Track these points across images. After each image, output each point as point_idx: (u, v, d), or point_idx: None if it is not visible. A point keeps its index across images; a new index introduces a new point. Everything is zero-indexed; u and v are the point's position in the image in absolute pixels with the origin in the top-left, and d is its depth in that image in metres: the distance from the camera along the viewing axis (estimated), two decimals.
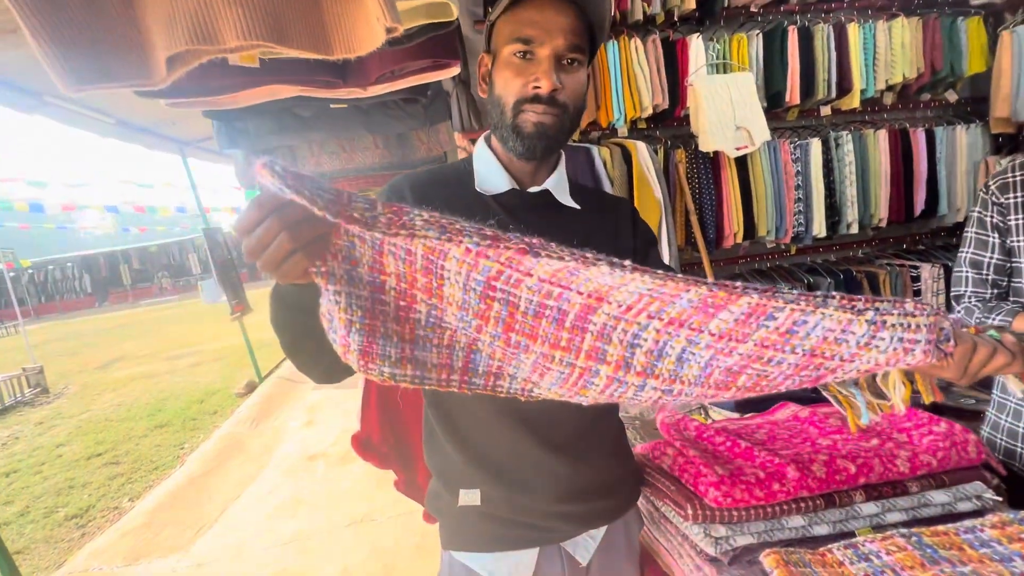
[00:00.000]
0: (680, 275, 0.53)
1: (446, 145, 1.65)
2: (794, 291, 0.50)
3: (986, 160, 2.54)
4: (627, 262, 0.52)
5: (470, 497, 0.83)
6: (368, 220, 0.52)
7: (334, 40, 0.84)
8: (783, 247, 2.65)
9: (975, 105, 2.62)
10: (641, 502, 1.02)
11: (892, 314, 0.49)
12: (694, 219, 2.30)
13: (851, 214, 2.48)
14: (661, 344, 0.55)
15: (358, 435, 2.24)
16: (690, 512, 0.86)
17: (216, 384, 6.31)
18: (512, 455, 0.82)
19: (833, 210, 2.48)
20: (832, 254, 2.78)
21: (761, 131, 2.23)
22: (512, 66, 0.73)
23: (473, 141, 2.53)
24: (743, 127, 2.25)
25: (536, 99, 0.73)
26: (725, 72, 2.30)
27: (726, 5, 2.27)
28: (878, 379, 0.67)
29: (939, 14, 2.47)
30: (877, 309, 0.50)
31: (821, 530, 0.88)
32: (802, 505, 0.88)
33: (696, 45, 2.24)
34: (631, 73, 2.17)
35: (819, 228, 2.46)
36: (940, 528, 0.82)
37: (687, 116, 2.31)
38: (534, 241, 0.52)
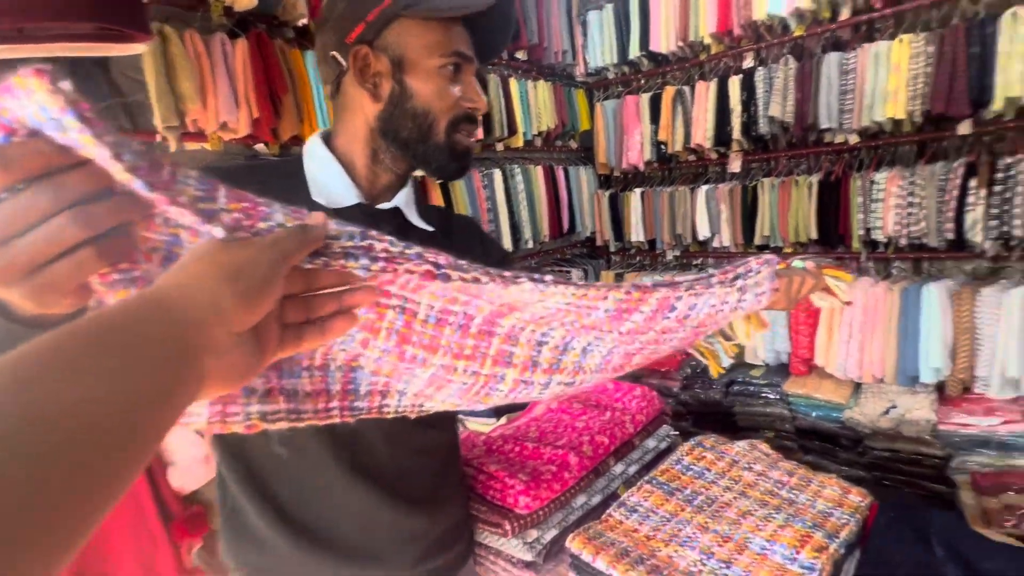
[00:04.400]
0: (600, 283, 0.52)
1: None
2: (688, 275, 0.56)
3: (597, 192, 3.54)
4: (548, 276, 0.49)
5: None
6: (204, 212, 0.33)
7: None
8: None
9: (587, 152, 3.62)
10: None
11: (749, 277, 0.60)
12: None
13: (527, 232, 3.04)
14: (567, 340, 0.55)
15: None
16: (508, 527, 0.87)
17: None
18: (361, 523, 0.67)
19: (515, 229, 2.99)
20: (518, 265, 3.34)
21: None
22: (445, 79, 0.64)
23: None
24: None
25: (469, 119, 0.66)
26: None
27: None
28: (724, 326, 0.82)
29: (562, 83, 3.31)
30: (739, 275, 0.59)
31: (596, 499, 1.04)
32: (582, 484, 1.02)
33: None
34: None
35: (506, 244, 2.91)
36: (662, 467, 1.08)
37: None
38: (440, 260, 0.42)
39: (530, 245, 3.06)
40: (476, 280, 0.44)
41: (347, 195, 0.67)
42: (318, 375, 0.47)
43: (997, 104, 2.05)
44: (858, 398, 2.60)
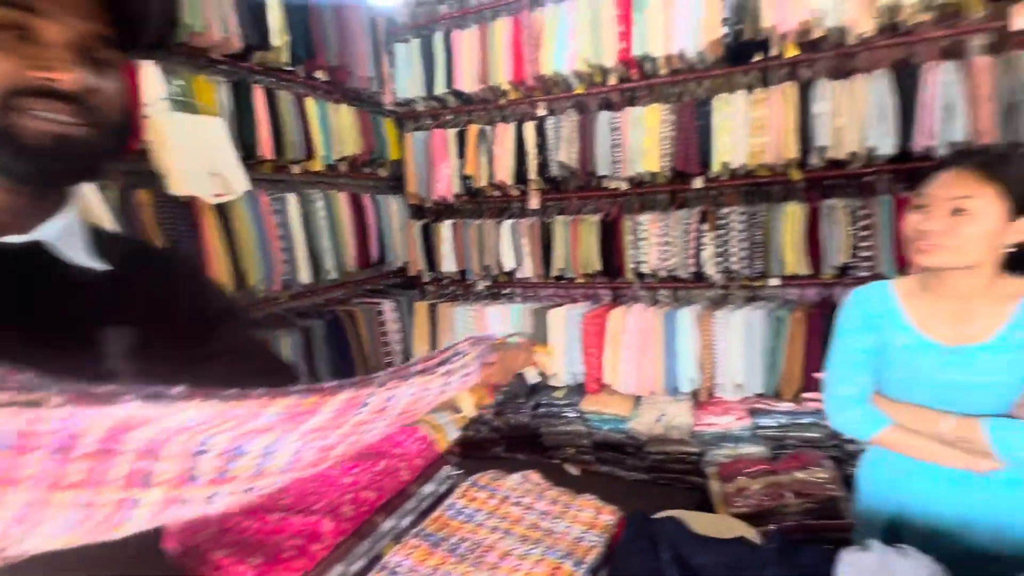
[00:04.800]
0: (261, 391, 0.43)
1: None
2: (385, 372, 0.54)
3: (408, 223, 3.50)
4: (177, 389, 0.38)
5: None
6: None
7: None
8: (275, 295, 2.70)
9: (397, 182, 3.57)
10: None
11: (455, 363, 0.61)
12: None
13: (329, 261, 2.82)
14: (238, 444, 0.44)
15: None
16: None
17: None
18: None
19: (315, 259, 2.74)
20: (319, 297, 3.07)
21: (239, 179, 2.19)
22: None
23: None
24: (219, 173, 2.14)
25: (47, 92, 0.45)
26: (191, 112, 2.12)
27: (183, 42, 2.09)
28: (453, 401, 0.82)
29: (369, 110, 3.21)
30: (445, 360, 0.60)
31: (358, 566, 0.93)
32: (339, 552, 0.90)
33: (151, 74, 1.95)
34: None
35: (305, 275, 2.66)
36: (434, 515, 1.03)
37: (145, 151, 1.97)
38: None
39: (333, 276, 2.85)
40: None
41: None
42: None
43: (716, 166, 2.60)
44: (638, 410, 2.97)
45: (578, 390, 3.17)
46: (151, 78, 1.96)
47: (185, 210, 2.08)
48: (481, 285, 3.55)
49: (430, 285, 3.75)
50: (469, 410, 0.81)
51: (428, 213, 3.61)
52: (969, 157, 0.88)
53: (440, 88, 3.17)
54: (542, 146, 3.01)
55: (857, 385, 1.01)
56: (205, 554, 0.81)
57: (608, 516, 1.01)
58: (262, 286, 2.43)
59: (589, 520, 1.00)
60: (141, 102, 1.94)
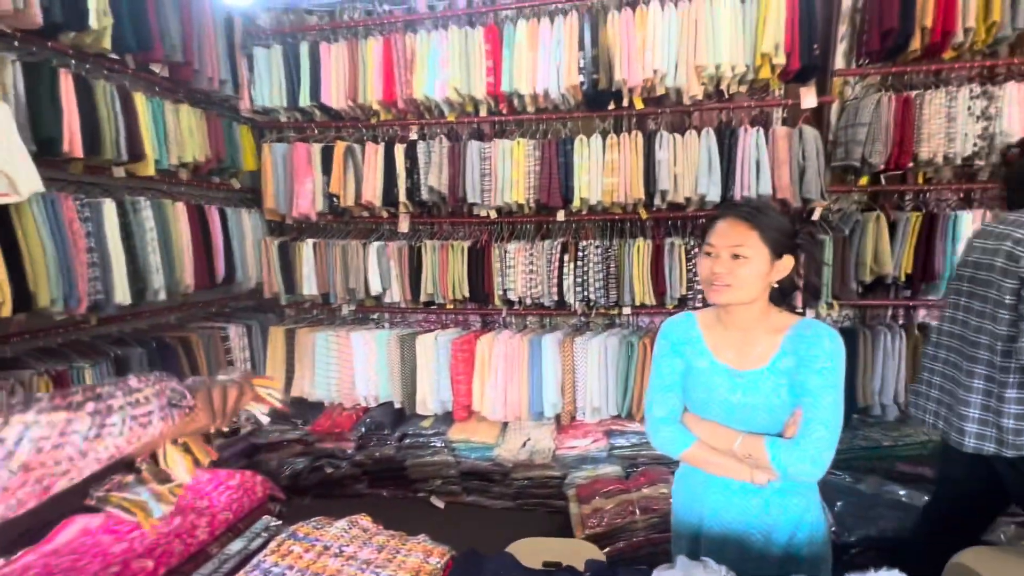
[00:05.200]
0: None
1: None
2: None
3: (265, 239, 3.19)
4: None
5: None
6: None
7: None
8: (80, 318, 2.25)
9: (254, 194, 3.25)
10: None
11: (116, 397, 0.51)
12: None
13: (157, 280, 2.44)
14: None
15: None
16: None
17: None
18: None
19: (138, 276, 2.35)
20: (142, 321, 2.64)
21: (29, 178, 1.80)
22: None
23: None
24: (2, 171, 1.75)
25: None
26: None
27: None
28: (161, 463, 0.67)
29: (219, 114, 2.90)
30: (98, 396, 0.50)
31: None
32: None
33: None
34: None
35: (123, 296, 2.26)
36: None
37: None
38: None
39: (162, 296, 2.46)
40: None
41: None
42: None
43: (576, 202, 2.78)
44: (504, 436, 2.98)
45: (446, 419, 3.09)
46: None
47: None
48: (346, 309, 3.35)
49: (288, 308, 3.44)
50: (183, 475, 0.67)
51: (288, 230, 3.33)
52: (735, 209, 1.03)
53: (305, 100, 2.99)
54: (412, 169, 2.96)
55: (668, 406, 1.10)
56: None
57: (437, 559, 0.95)
58: (58, 307, 2.01)
59: (416, 566, 0.93)
60: None
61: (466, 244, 3.00)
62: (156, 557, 0.84)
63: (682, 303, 2.76)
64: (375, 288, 3.09)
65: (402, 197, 2.97)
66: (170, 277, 2.51)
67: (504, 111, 2.91)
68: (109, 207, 2.21)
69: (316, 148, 3.06)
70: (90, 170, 2.31)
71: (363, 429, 3.05)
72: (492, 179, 2.85)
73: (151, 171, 2.44)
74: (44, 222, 1.94)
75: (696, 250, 2.70)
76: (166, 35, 2.43)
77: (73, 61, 2.16)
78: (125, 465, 0.67)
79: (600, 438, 2.87)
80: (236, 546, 1.00)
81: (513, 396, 2.96)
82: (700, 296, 2.72)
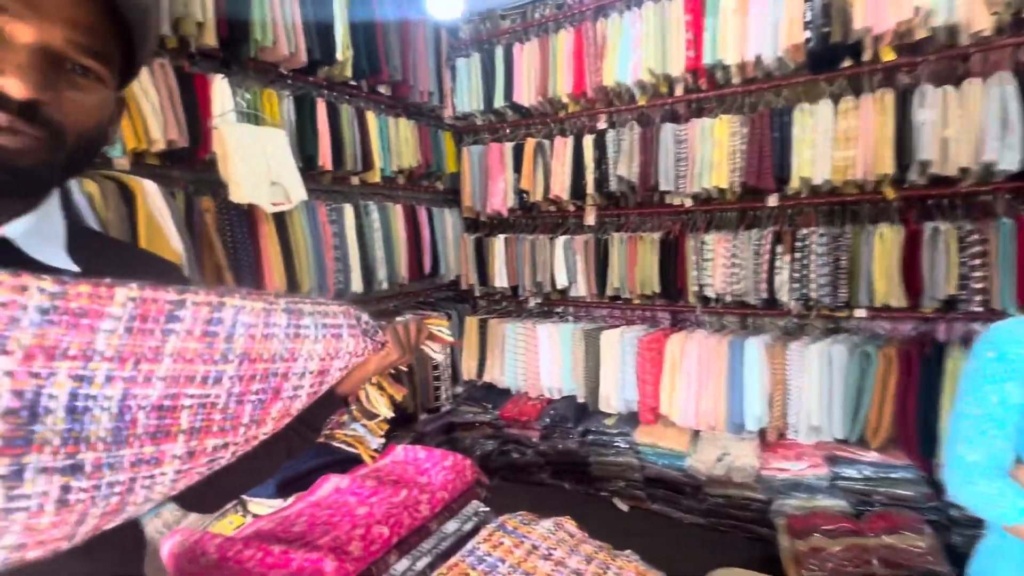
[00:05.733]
0: (6, 270, 0.36)
1: None
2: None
3: (462, 236, 3.47)
4: None
5: None
6: None
7: None
8: None
9: (454, 194, 3.56)
10: None
11: (303, 302, 0.51)
12: (228, 276, 2.03)
13: (382, 273, 2.83)
14: (31, 396, 0.37)
15: None
16: None
17: None
18: None
19: (368, 269, 2.76)
20: (370, 308, 3.09)
21: (298, 190, 2.24)
22: None
23: None
24: (279, 183, 2.19)
25: None
26: (257, 123, 2.19)
27: (253, 56, 2.18)
28: (365, 404, 0.73)
29: (428, 124, 3.24)
30: (288, 297, 0.50)
31: None
32: None
33: (221, 86, 2.04)
34: (130, 93, 1.74)
35: (357, 285, 2.67)
36: (452, 561, 0.92)
37: (214, 161, 2.05)
38: None
39: (384, 287, 2.85)
40: None
41: None
42: None
43: (794, 182, 2.35)
44: (696, 446, 2.72)
45: (631, 419, 2.96)
46: (221, 91, 2.04)
47: (244, 217, 2.14)
48: (533, 302, 3.45)
49: (481, 300, 3.69)
50: (385, 411, 0.73)
51: (482, 227, 3.57)
52: None
53: (499, 101, 3.14)
54: (601, 160, 2.88)
55: (990, 449, 0.79)
56: None
57: None
58: (315, 295, 2.47)
59: None
60: (211, 113, 2.03)
61: (656, 236, 2.81)
62: (390, 526, 0.92)
63: (950, 307, 2.14)
64: (561, 281, 3.11)
65: (590, 189, 2.92)
66: (391, 270, 2.89)
67: (704, 87, 2.62)
68: (348, 211, 2.63)
69: (508, 147, 3.20)
70: (334, 180, 2.78)
71: (547, 420, 3.11)
72: (688, 163, 2.61)
73: (377, 178, 2.83)
74: (306, 225, 2.39)
75: (975, 236, 2.05)
76: (390, 58, 2.79)
77: (325, 91, 2.61)
78: (342, 403, 0.72)
79: (819, 463, 2.41)
80: (451, 526, 1.06)
81: (707, 403, 2.68)
82: (979, 299, 2.06)
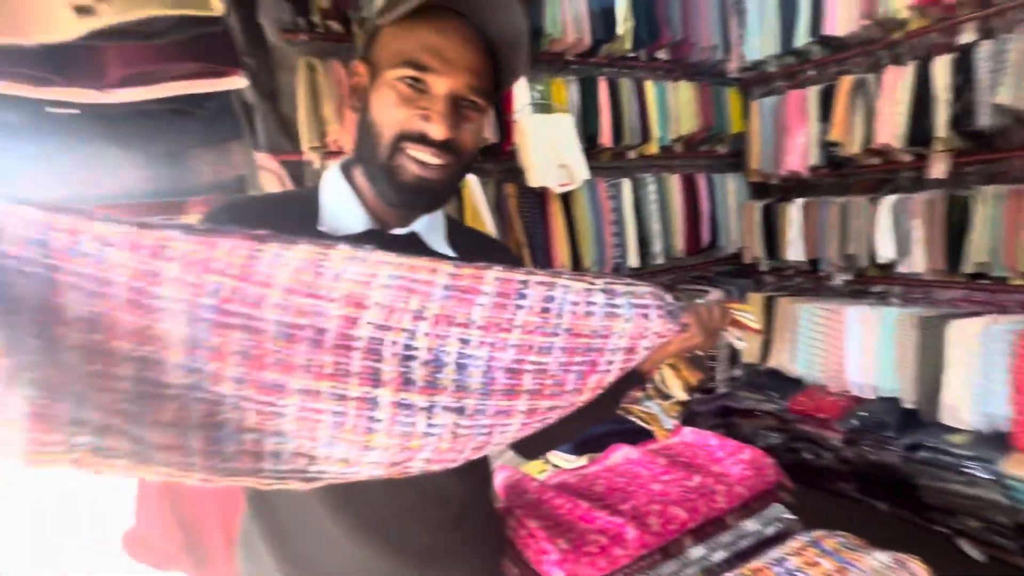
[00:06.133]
0: (417, 258, 0.49)
1: (241, 167, 1.37)
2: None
3: (747, 204, 3.10)
4: (367, 247, 0.47)
5: None
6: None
7: (21, 23, 0.57)
8: None
9: (738, 158, 3.20)
10: None
11: (617, 282, 0.53)
12: (525, 252, 2.33)
13: (658, 245, 2.79)
14: (436, 351, 0.49)
15: (132, 532, 1.73)
16: None
17: None
18: (353, 571, 0.64)
19: (644, 242, 2.76)
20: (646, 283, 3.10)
21: (581, 170, 2.38)
22: (397, 92, 0.58)
23: (285, 164, 2.19)
24: (565, 165, 2.38)
25: (424, 139, 0.58)
26: (548, 112, 2.41)
27: (544, 49, 2.39)
28: (659, 384, 0.72)
29: (709, 82, 2.97)
30: (602, 276, 0.53)
31: None
32: (642, 564, 0.85)
33: (520, 85, 2.31)
34: None
35: (634, 260, 2.71)
36: (756, 565, 0.85)
37: (515, 151, 2.35)
38: (260, 232, 0.45)
39: (660, 261, 2.80)
40: (292, 244, 0.45)
41: (357, 222, 0.65)
42: (171, 432, 0.45)
43: None
44: None
45: (994, 441, 2.18)
46: (520, 89, 2.32)
47: (538, 199, 2.41)
48: (839, 279, 2.85)
49: (768, 275, 3.26)
50: (680, 393, 0.68)
51: (773, 191, 3.11)
52: None
53: (802, 39, 2.63)
54: (963, 87, 2.11)
55: None
56: (523, 519, 0.89)
57: None
58: (595, 269, 2.61)
59: None
60: (513, 110, 2.33)
61: None
62: (686, 510, 0.91)
63: None
64: (886, 254, 2.47)
65: (940, 130, 2.19)
66: (666, 243, 2.83)
67: None
68: (626, 185, 2.66)
69: (812, 92, 2.67)
70: (613, 156, 2.84)
71: (855, 422, 2.57)
72: None
73: (655, 149, 2.77)
74: (587, 202, 2.53)
75: None
76: (671, 20, 2.65)
77: (605, 68, 2.67)
78: (641, 380, 0.70)
79: None
80: (750, 526, 0.98)
81: None
82: None
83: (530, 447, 0.77)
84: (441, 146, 0.59)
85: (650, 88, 2.67)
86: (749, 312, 0.73)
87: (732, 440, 1.15)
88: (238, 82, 0.96)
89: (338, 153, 2.00)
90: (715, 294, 0.72)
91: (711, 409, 3.12)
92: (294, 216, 0.64)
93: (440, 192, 0.64)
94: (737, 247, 3.17)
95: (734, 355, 3.05)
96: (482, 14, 0.59)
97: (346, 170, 0.68)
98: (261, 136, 1.98)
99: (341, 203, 0.65)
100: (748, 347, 2.84)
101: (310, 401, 0.48)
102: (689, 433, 1.22)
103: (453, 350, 0.50)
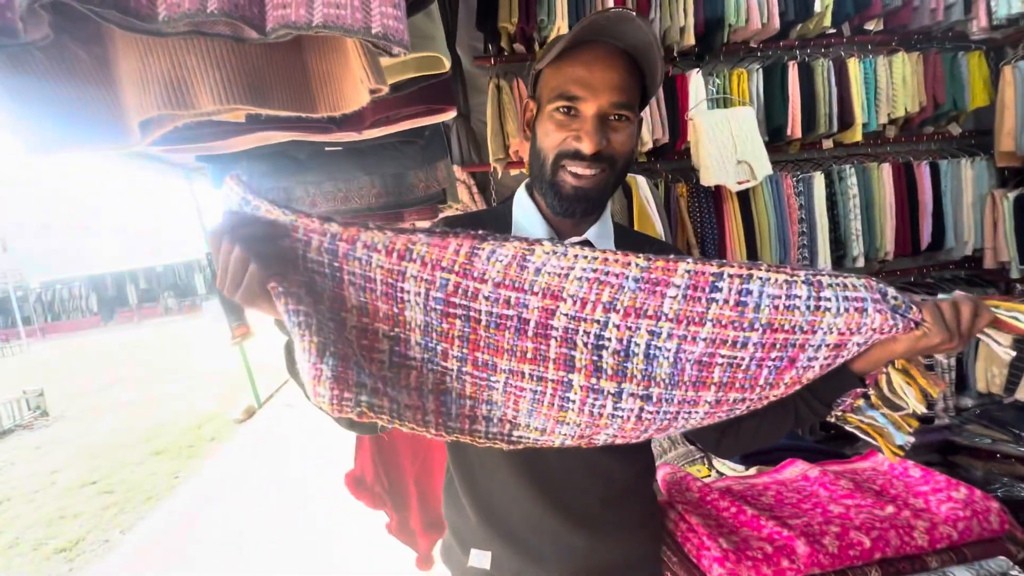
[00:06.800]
0: (612, 251, 0.55)
1: (444, 182, 1.63)
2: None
3: (992, 193, 2.50)
4: (566, 243, 0.55)
5: (480, 559, 0.79)
6: (323, 221, 0.56)
7: (319, 100, 0.81)
8: None
9: (979, 138, 2.60)
10: None
11: (823, 274, 0.51)
12: (696, 253, 2.26)
13: (856, 247, 2.44)
14: (626, 342, 0.54)
15: (352, 473, 2.17)
16: None
17: (215, 409, 6.24)
18: (528, 522, 0.77)
19: (838, 244, 2.44)
20: None
21: (763, 165, 2.21)
22: (554, 120, 0.72)
23: (473, 175, 2.49)
24: (744, 161, 2.23)
25: (577, 155, 0.71)
26: (726, 106, 2.29)
27: (725, 41, 2.27)
28: (885, 391, 0.63)
29: (939, 49, 2.47)
30: (807, 268, 0.51)
31: None
32: None
33: (696, 80, 2.24)
34: None
35: (824, 261, 2.41)
36: None
37: (687, 150, 2.30)
38: (479, 232, 0.57)
39: (860, 264, 2.44)
40: (504, 242, 0.54)
41: (540, 232, 0.78)
42: (414, 393, 0.58)
43: None
44: None
45: None
46: (696, 84, 2.25)
47: (711, 198, 2.31)
48: None
49: (1020, 283, 2.58)
50: (914, 404, 0.58)
51: None
52: None
53: None
54: None
55: None
56: (684, 513, 0.92)
57: None
58: None
59: None
60: (687, 107, 2.27)
61: None
62: (872, 538, 0.84)
63: None
64: None
65: None
66: (869, 244, 2.45)
67: None
68: (819, 179, 2.38)
69: None
70: (802, 147, 2.56)
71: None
72: None
73: (858, 136, 2.42)
74: (770, 199, 2.33)
75: None
76: None
77: (797, 52, 2.41)
78: (857, 382, 0.63)
79: None
80: (961, 575, 0.85)
81: None
82: None
83: (719, 444, 0.79)
84: (592, 158, 0.70)
85: (853, 66, 2.33)
86: (1019, 311, 0.58)
87: (942, 475, 1.00)
88: (451, 114, 1.18)
89: (519, 163, 2.21)
90: (958, 292, 0.55)
91: (928, 442, 2.61)
92: (494, 229, 0.79)
93: (596, 198, 0.74)
94: (974, 248, 2.58)
95: (962, 377, 2.50)
96: (614, 37, 0.70)
97: (529, 189, 0.82)
98: (455, 152, 2.30)
99: (527, 216, 0.79)
100: (1007, 356, 2.27)
101: (515, 380, 0.58)
102: (884, 459, 1.09)
103: (642, 341, 0.53)
